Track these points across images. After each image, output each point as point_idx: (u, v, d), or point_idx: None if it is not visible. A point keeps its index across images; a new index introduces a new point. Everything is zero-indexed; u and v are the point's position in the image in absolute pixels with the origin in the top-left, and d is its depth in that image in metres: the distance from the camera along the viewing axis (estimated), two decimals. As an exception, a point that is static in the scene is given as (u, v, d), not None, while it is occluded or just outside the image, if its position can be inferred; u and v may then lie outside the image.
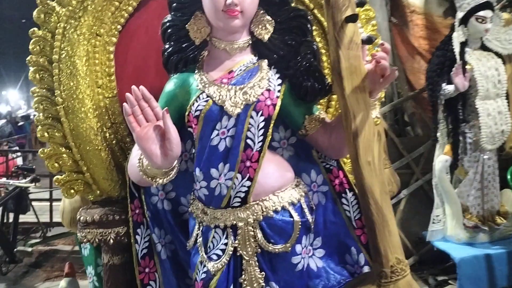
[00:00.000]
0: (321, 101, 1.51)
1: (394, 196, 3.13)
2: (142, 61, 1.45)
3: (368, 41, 1.16)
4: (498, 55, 2.86)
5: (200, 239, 1.25)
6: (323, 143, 1.31)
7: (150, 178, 1.16)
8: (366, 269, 1.34)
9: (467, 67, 2.76)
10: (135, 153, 1.21)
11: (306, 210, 1.26)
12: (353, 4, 1.13)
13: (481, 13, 2.71)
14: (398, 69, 3.66)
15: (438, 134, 2.96)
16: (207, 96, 1.19)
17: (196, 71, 1.25)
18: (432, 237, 3.01)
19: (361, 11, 1.52)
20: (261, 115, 1.18)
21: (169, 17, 1.26)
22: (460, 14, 2.80)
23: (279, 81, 1.24)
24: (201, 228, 1.25)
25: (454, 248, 2.85)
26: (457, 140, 2.88)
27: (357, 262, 1.35)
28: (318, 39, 1.48)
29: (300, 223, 1.22)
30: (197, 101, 1.20)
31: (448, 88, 2.77)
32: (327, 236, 1.35)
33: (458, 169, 2.91)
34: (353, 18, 1.10)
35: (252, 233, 1.20)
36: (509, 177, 2.59)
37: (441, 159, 2.94)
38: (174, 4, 1.25)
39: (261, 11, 1.24)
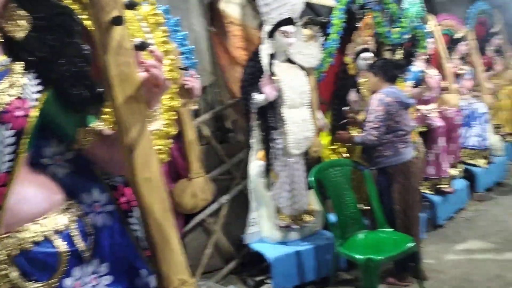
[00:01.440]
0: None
1: (212, 202, 3.17)
2: None
3: (141, 47, 1.07)
4: (302, 67, 3.14)
5: None
6: (103, 158, 1.18)
7: None
8: (155, 292, 1.25)
9: (275, 78, 2.95)
10: None
11: (77, 237, 1.10)
12: (120, 5, 1.02)
13: (285, 28, 2.92)
14: (220, 77, 3.76)
15: (252, 140, 3.11)
16: None
17: None
18: (250, 239, 3.14)
19: (149, 15, 1.43)
20: (10, 128, 0.99)
21: None
22: (267, 28, 2.98)
23: (39, 87, 1.05)
24: None
25: (269, 248, 3.01)
26: (269, 146, 3.05)
27: (146, 285, 1.25)
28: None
29: (67, 253, 1.06)
30: None
31: (258, 97, 2.92)
32: (116, 260, 1.22)
33: (271, 173, 3.09)
34: (119, 21, 1.00)
35: (4, 272, 0.99)
36: (310, 179, 2.83)
37: (255, 164, 3.08)
38: None
39: (13, 4, 1.04)
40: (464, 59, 5.02)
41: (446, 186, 4.12)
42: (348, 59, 3.50)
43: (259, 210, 3.12)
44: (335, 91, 3.55)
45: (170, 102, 1.48)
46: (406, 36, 3.80)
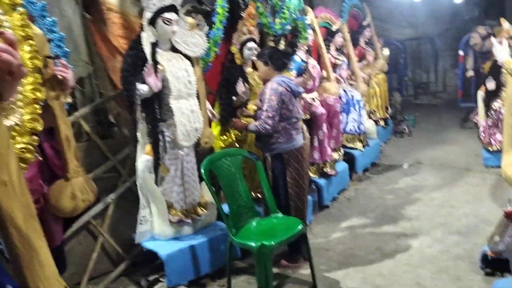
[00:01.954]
0: None
1: (97, 202, 2.96)
2: None
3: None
4: (187, 57, 3.05)
5: None
6: None
7: None
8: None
9: (159, 67, 2.82)
10: None
11: None
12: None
13: (167, 15, 2.80)
14: (100, 68, 3.49)
15: (138, 134, 2.95)
16: None
17: None
18: (141, 238, 3.00)
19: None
20: None
21: None
22: (148, 15, 2.83)
23: None
24: None
25: (162, 245, 2.90)
26: (157, 139, 2.93)
27: (14, 303, 1.09)
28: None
29: None
30: None
31: (142, 88, 2.77)
32: None
33: (161, 167, 2.97)
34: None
35: None
36: (202, 171, 2.78)
37: (143, 159, 2.93)
38: None
39: None
40: (340, 50, 5.37)
41: (330, 169, 4.39)
42: (234, 48, 3.50)
43: (149, 207, 2.99)
44: (222, 81, 3.53)
45: (33, 94, 1.30)
46: (288, 27, 3.93)
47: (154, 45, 2.86)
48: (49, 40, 2.24)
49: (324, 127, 4.32)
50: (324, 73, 4.68)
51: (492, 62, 5.23)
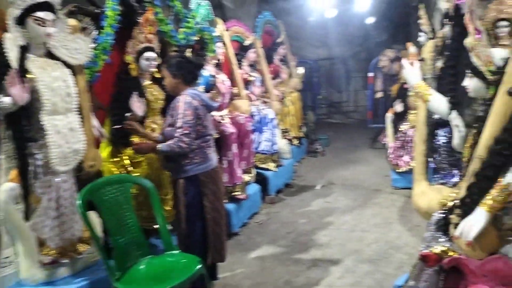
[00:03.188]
0: None
1: None
2: None
3: None
4: (67, 64, 2.57)
5: None
6: None
7: None
8: None
9: (29, 76, 2.32)
10: None
11: None
12: None
13: (39, 14, 2.32)
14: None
15: (1, 157, 2.40)
16: None
17: None
18: (4, 284, 2.42)
19: None
20: None
21: None
22: (15, 12, 2.32)
23: None
24: None
25: (29, 294, 2.37)
26: (25, 163, 2.40)
27: None
28: None
29: None
30: None
31: (4, 101, 2.24)
32: None
33: (31, 197, 2.44)
34: None
35: None
36: (79, 202, 2.30)
37: (6, 187, 2.38)
38: None
39: None
40: (253, 66, 5.15)
41: (240, 192, 4.08)
42: (129, 58, 3.06)
43: (15, 245, 2.43)
44: (114, 94, 3.08)
45: None
46: (193, 38, 3.59)
47: (24, 49, 2.35)
48: None
49: (234, 147, 4.02)
50: (235, 90, 4.40)
51: (399, 85, 5.33)
